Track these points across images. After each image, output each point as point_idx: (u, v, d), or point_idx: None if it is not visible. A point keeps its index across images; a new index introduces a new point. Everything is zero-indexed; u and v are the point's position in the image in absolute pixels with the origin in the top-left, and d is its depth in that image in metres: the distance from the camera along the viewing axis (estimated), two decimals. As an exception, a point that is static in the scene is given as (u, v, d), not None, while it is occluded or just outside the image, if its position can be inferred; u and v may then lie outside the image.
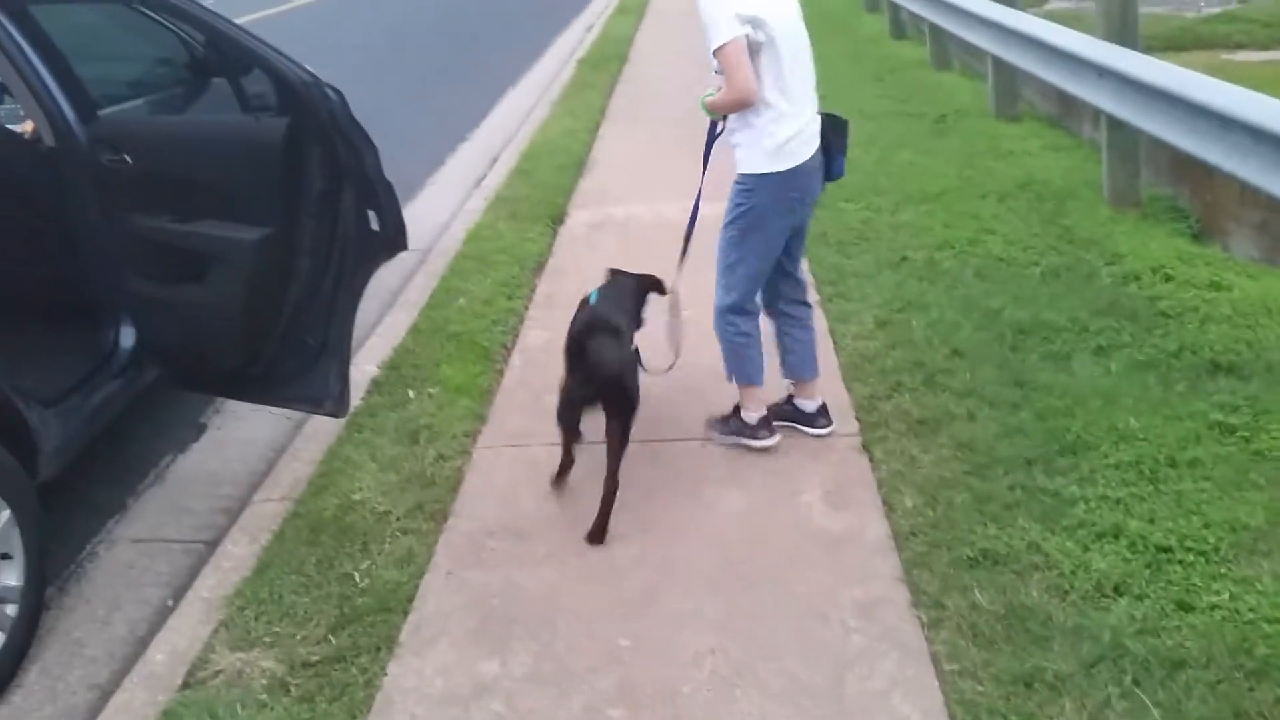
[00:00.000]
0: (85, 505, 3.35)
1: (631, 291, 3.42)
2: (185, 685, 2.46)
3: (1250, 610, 2.34)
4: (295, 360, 3.29)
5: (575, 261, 5.09)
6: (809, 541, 2.79)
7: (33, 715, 2.52)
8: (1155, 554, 2.55)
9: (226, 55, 3.32)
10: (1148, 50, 5.07)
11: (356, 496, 3.13)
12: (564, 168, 6.65)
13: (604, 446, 2.99)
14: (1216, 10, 9.95)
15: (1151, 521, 2.66)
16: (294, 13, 16.54)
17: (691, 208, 3.27)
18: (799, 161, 2.96)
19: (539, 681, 2.38)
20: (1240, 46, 8.88)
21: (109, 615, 2.87)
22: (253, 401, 3.52)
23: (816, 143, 3.02)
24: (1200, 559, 2.52)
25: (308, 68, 3.08)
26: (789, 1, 2.97)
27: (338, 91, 3.04)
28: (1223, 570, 2.48)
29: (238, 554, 2.96)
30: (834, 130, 3.07)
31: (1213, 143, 3.95)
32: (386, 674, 2.44)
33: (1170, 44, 8.42)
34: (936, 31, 8.44)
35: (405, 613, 2.64)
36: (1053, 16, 7.03)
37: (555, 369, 3.91)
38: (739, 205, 3.03)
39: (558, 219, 5.73)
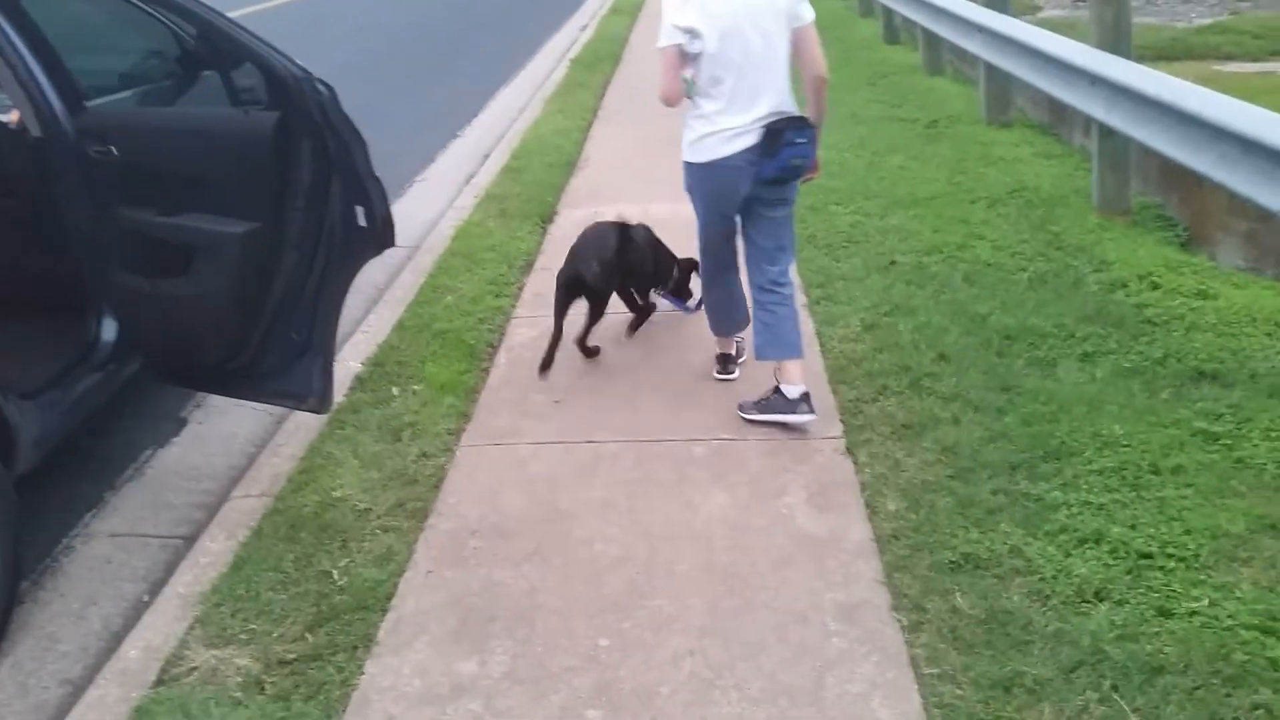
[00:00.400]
0: (63, 498, 3.32)
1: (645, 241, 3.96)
2: (159, 682, 2.44)
3: (1229, 617, 2.34)
4: (279, 355, 3.26)
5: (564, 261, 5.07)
6: (791, 544, 2.78)
7: (3, 710, 2.49)
8: (1136, 560, 2.54)
9: (217, 48, 3.29)
10: (1140, 60, 5.08)
11: (337, 493, 3.11)
12: (555, 166, 6.63)
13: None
14: (1208, 21, 10.00)
15: (1133, 527, 2.66)
16: (288, 7, 16.49)
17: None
18: (714, 157, 3.24)
19: (517, 681, 2.37)
20: (1231, 58, 8.93)
21: (84, 610, 2.84)
22: (235, 396, 3.48)
23: (746, 143, 3.21)
24: (1181, 565, 2.52)
25: (299, 62, 3.06)
26: (746, 17, 3.14)
27: (328, 86, 3.02)
28: (1203, 577, 2.48)
29: (215, 550, 2.93)
30: (786, 130, 3.21)
31: (1203, 152, 3.95)
32: (364, 673, 2.42)
33: (1162, 54, 8.46)
34: (929, 37, 8.45)
35: (384, 611, 2.62)
36: (1046, 24, 7.06)
37: (541, 367, 3.93)
38: None
39: (547, 217, 5.72)
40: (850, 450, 3.19)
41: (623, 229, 3.85)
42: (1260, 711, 2.09)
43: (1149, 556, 2.55)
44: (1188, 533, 2.62)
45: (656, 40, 3.21)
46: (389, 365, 3.94)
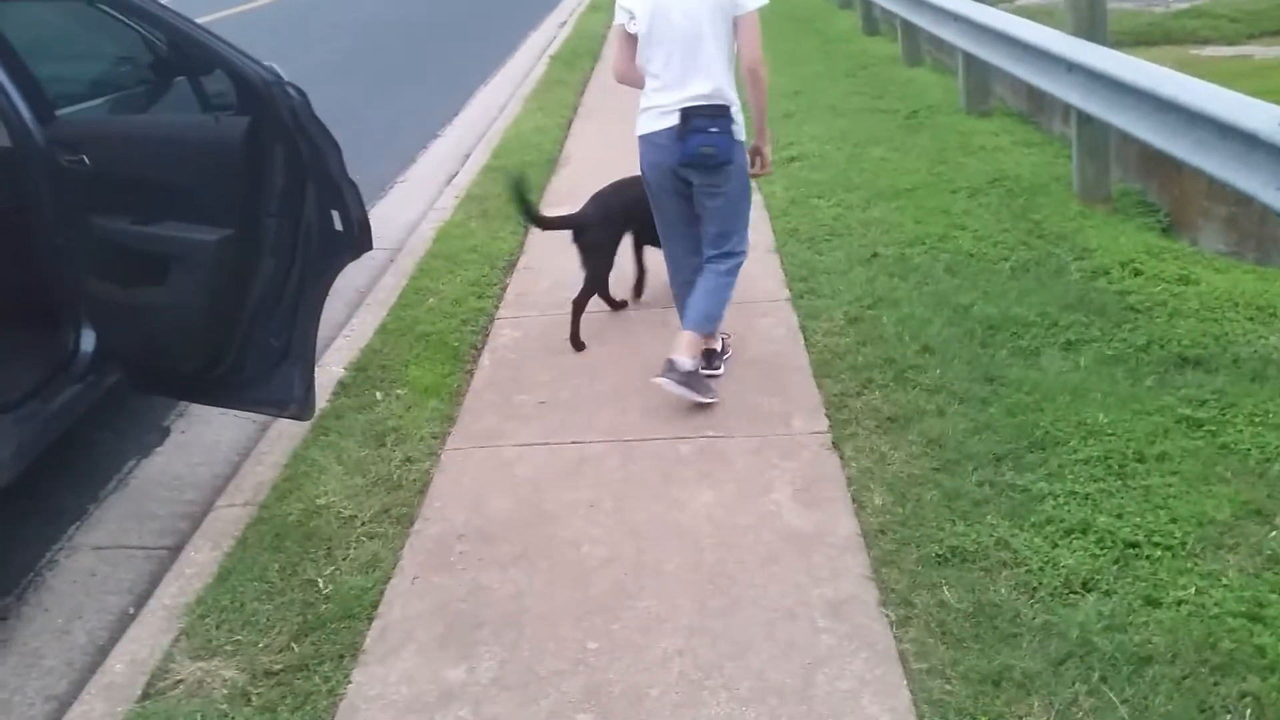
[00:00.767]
0: (46, 511, 3.29)
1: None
2: (145, 695, 2.42)
3: (1216, 605, 2.34)
4: (258, 362, 3.24)
5: (546, 260, 5.05)
6: (779, 540, 2.78)
7: (-12, 729, 2.47)
8: (1123, 550, 2.55)
9: (186, 54, 3.26)
10: (1117, 45, 5.09)
11: (321, 501, 3.09)
12: (536, 165, 6.61)
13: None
14: (1185, 6, 10.03)
15: (1119, 517, 2.67)
16: (264, 9, 16.37)
17: None
18: (646, 131, 3.42)
19: (505, 686, 2.35)
20: (1208, 41, 8.98)
21: (68, 624, 2.81)
22: (216, 405, 3.46)
23: (669, 123, 3.34)
24: (1167, 554, 2.52)
25: (270, 65, 3.03)
26: (675, 2, 3.25)
27: (299, 90, 2.99)
28: (1189, 565, 2.48)
29: (200, 560, 2.91)
30: (696, 116, 3.30)
31: (1180, 137, 3.96)
32: (350, 682, 2.40)
33: (1139, 39, 8.49)
34: (908, 27, 8.46)
35: (370, 619, 2.61)
36: (1023, 11, 7.05)
37: (525, 369, 3.92)
38: None
39: (529, 217, 5.69)
40: (836, 445, 3.18)
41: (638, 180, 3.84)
42: (1248, 700, 2.09)
43: (1135, 546, 2.55)
44: (1174, 521, 2.63)
45: None
46: (372, 369, 3.92)
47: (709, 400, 3.48)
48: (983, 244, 4.59)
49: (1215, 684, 2.14)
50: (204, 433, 3.74)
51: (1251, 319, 3.71)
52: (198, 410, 3.77)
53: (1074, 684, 2.17)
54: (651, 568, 2.72)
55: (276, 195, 3.08)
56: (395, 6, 16.70)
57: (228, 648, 2.53)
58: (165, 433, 3.76)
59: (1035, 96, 6.70)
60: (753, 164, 3.52)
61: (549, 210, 5.62)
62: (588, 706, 2.28)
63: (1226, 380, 3.28)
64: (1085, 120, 4.93)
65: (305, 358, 3.20)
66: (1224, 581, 2.42)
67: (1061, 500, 2.76)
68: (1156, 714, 2.09)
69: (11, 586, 2.89)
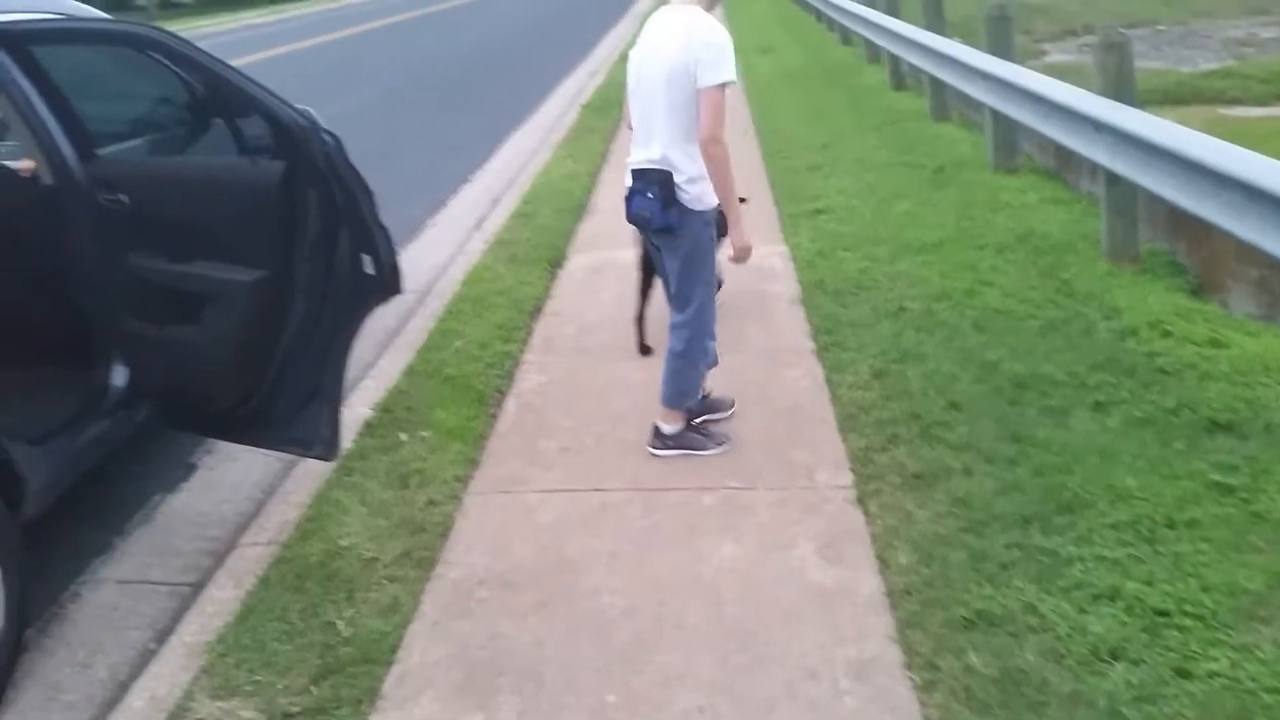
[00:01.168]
0: (70, 544, 3.31)
1: None
2: (163, 734, 2.41)
3: (1250, 679, 2.29)
4: (286, 402, 3.26)
5: (573, 305, 5.09)
6: (802, 597, 2.75)
7: (6, 763, 2.47)
8: (1153, 618, 2.50)
9: (224, 98, 3.33)
10: (1146, 105, 5.10)
11: (344, 542, 3.09)
12: (564, 211, 6.67)
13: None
14: (1214, 66, 10.07)
15: (1149, 584, 2.62)
16: (304, 52, 16.72)
17: None
18: (627, 185, 3.43)
19: (523, 738, 2.33)
20: (1237, 101, 9.01)
21: (89, 659, 2.81)
22: (243, 443, 3.49)
23: (630, 179, 3.40)
24: (1199, 624, 2.47)
25: (304, 109, 3.10)
26: (652, 58, 3.27)
27: (334, 136, 3.05)
28: (1222, 636, 2.43)
29: (222, 598, 2.91)
30: (638, 179, 3.36)
31: (1208, 199, 3.95)
32: (368, 728, 2.39)
33: (1168, 98, 8.53)
34: (935, 83, 8.52)
35: (389, 664, 2.60)
36: (1052, 69, 7.11)
37: (549, 414, 3.93)
38: None
39: (557, 262, 5.75)
40: (861, 500, 3.16)
41: None
42: (1282, 777, 2.04)
43: (1166, 614, 2.50)
44: (1205, 589, 2.58)
45: None
46: (398, 411, 3.94)
47: (714, 451, 3.51)
48: (1010, 301, 4.58)
49: (1249, 761, 2.09)
50: (230, 470, 3.76)
51: (1284, 384, 3.67)
52: (224, 448, 3.80)
53: (1103, 756, 2.13)
54: (672, 620, 2.70)
55: (310, 238, 3.13)
56: (434, 57, 17.03)
57: (247, 688, 2.52)
58: (191, 469, 3.79)
59: (1063, 154, 6.71)
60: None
61: (580, 255, 5.68)
62: (606, 762, 2.25)
63: (1259, 446, 3.24)
64: (1113, 180, 4.93)
65: (333, 398, 3.22)
66: (1258, 654, 2.36)
67: (1090, 565, 2.72)
68: (1188, 790, 2.04)
69: (34, 618, 2.90)
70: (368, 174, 3.09)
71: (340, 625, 2.73)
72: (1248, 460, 3.15)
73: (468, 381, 4.17)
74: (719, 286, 4.73)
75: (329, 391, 3.22)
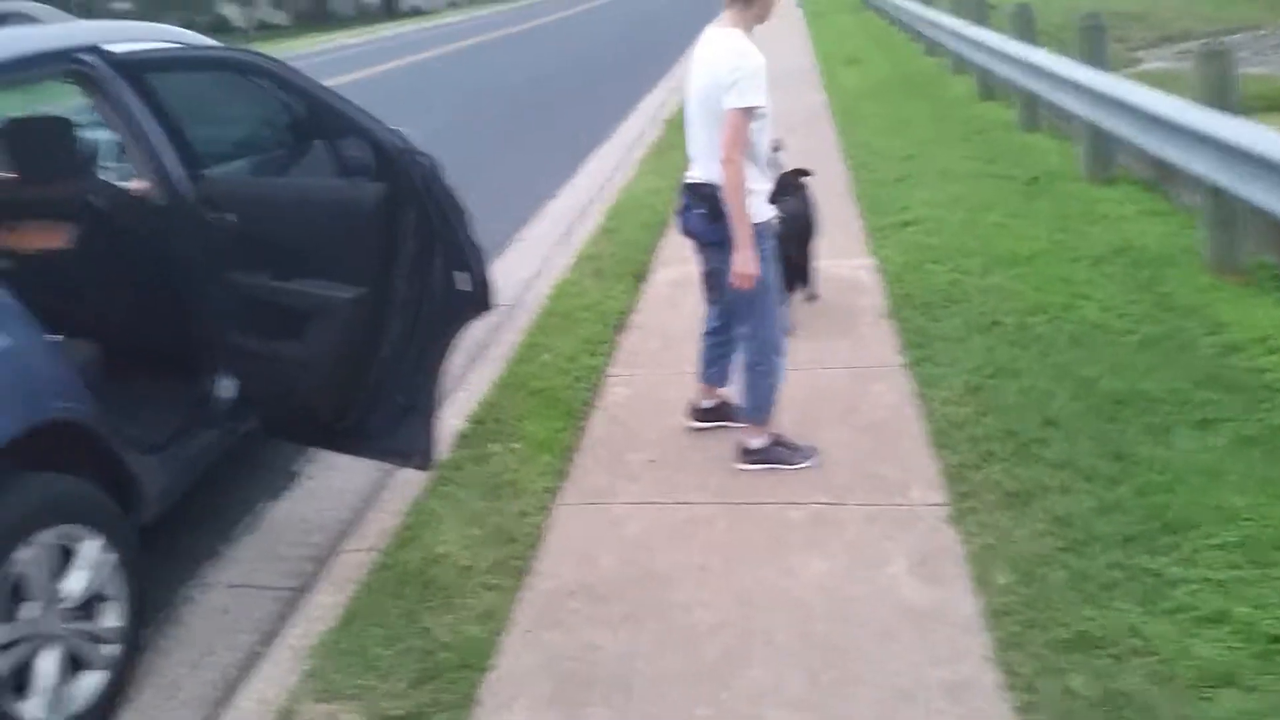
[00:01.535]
0: (182, 549, 3.46)
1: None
2: (271, 734, 2.50)
3: (1370, 710, 2.20)
4: (385, 413, 3.36)
5: (658, 319, 5.12)
6: (895, 616, 2.73)
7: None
8: (1265, 644, 2.41)
9: (325, 121, 3.46)
10: (1248, 112, 4.94)
11: (440, 550, 3.17)
12: (648, 225, 6.72)
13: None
14: (1322, 71, 9.67)
15: (1259, 608, 2.53)
16: (395, 71, 17.17)
17: None
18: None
19: (616, 748, 2.36)
20: (1348, 109, 8.60)
21: (201, 659, 2.94)
22: (344, 452, 3.60)
23: (684, 195, 3.47)
24: (1314, 651, 2.38)
25: (399, 129, 3.19)
26: (692, 79, 3.36)
27: (430, 157, 3.14)
28: (1339, 665, 2.34)
29: (325, 603, 3.01)
30: (687, 194, 3.46)
31: (1319, 212, 3.81)
32: (465, 732, 2.45)
33: (1272, 105, 8.21)
34: (1026, 93, 8.36)
35: (484, 670, 2.65)
36: (1148, 77, 6.92)
37: (635, 427, 3.97)
38: None
39: (641, 276, 5.79)
40: (955, 518, 3.12)
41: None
42: None
43: (1278, 640, 2.42)
44: (1320, 615, 2.49)
45: None
46: (489, 423, 4.02)
47: (801, 465, 3.50)
48: (1108, 315, 4.46)
49: (1372, 796, 2.01)
50: (331, 478, 3.88)
51: (1402, 403, 3.51)
52: (326, 456, 3.92)
53: (1213, 785, 2.07)
54: (761, 636, 2.71)
55: (408, 256, 3.22)
56: (516, 72, 17.33)
57: (349, 691, 2.61)
58: (294, 477, 3.92)
59: (1161, 164, 6.51)
60: None
61: (664, 270, 5.73)
62: (699, 774, 2.26)
63: (1375, 467, 3.11)
64: (1216, 192, 4.78)
65: (429, 410, 3.31)
66: (1378, 684, 2.27)
67: (1196, 587, 2.64)
68: (1306, 824, 1.97)
69: (150, 620, 3.04)
70: (453, 190, 3.17)
71: (439, 631, 2.80)
72: (1365, 481, 3.02)
73: (555, 394, 4.24)
74: (815, 300, 4.76)
75: (425, 403, 3.31)
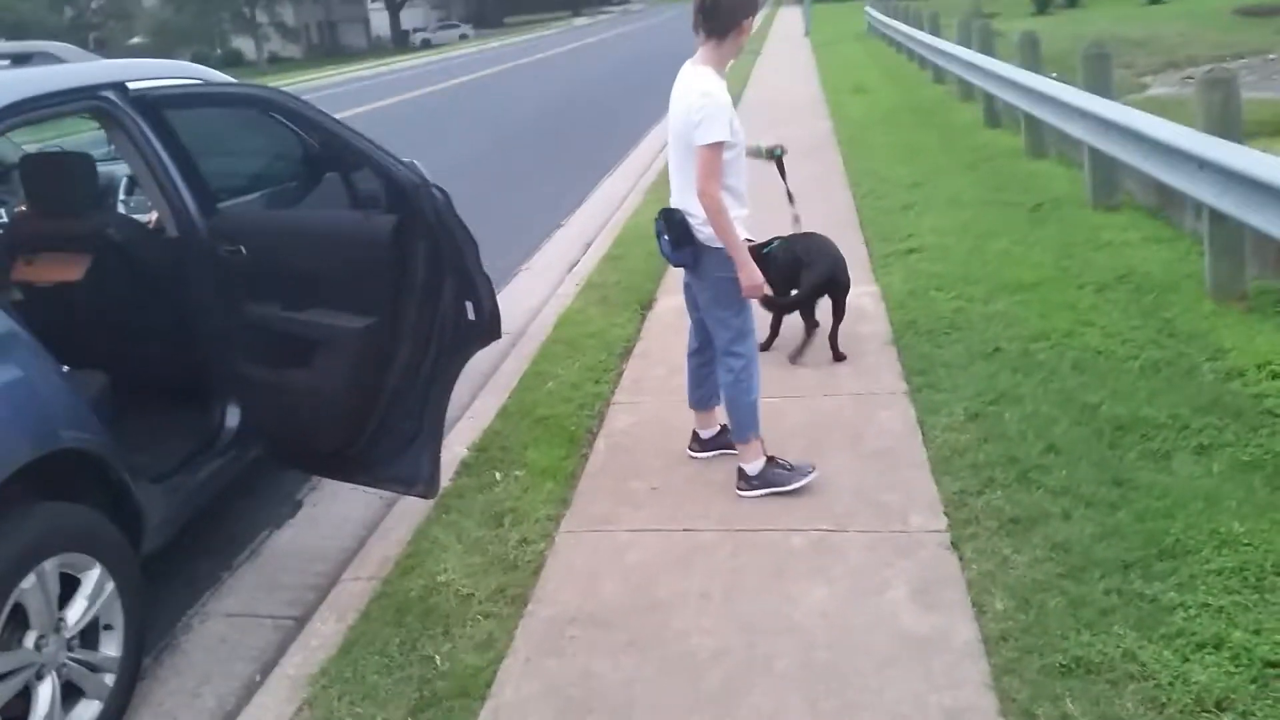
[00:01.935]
0: (183, 577, 3.48)
1: None
2: (269, 762, 2.51)
3: (1370, 737, 2.18)
4: (390, 442, 3.39)
5: (662, 346, 5.15)
6: (895, 642, 2.72)
7: (123, 786, 2.59)
8: (1261, 668, 2.40)
9: (339, 154, 3.51)
10: (1252, 136, 4.96)
11: (441, 578, 3.19)
12: (654, 254, 6.66)
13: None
14: (1328, 96, 9.69)
15: (1257, 633, 2.52)
16: (404, 103, 17.37)
17: None
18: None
19: (613, 776, 2.36)
20: (1355, 134, 8.61)
21: (199, 688, 2.95)
22: (348, 481, 3.63)
23: (658, 221, 3.55)
24: (1313, 677, 2.37)
25: (410, 161, 3.24)
26: (670, 113, 3.43)
27: (443, 191, 3.19)
28: (1339, 691, 2.33)
29: (325, 632, 3.03)
30: (660, 219, 3.53)
31: (1321, 237, 3.82)
32: (463, 761, 2.45)
33: (1278, 130, 8.23)
34: (1031, 121, 8.40)
35: (483, 699, 2.66)
36: (1153, 102, 6.97)
37: (638, 454, 3.98)
38: None
39: (647, 305, 5.83)
40: (955, 545, 3.11)
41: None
42: None
43: (1275, 665, 2.40)
44: (1319, 641, 2.47)
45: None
46: (492, 450, 4.05)
47: (801, 483, 3.53)
48: (1111, 341, 4.47)
49: (1371, 824, 1.99)
50: (334, 507, 3.91)
51: (1404, 428, 3.49)
52: (329, 485, 3.95)
53: (1211, 813, 2.05)
54: (762, 663, 2.71)
55: (418, 287, 3.26)
56: (526, 104, 17.50)
57: (348, 719, 2.61)
58: (297, 506, 3.95)
59: (1165, 190, 6.52)
60: None
61: (669, 298, 5.76)
62: (695, 802, 2.26)
63: (1377, 492, 3.09)
64: (1218, 218, 4.79)
65: (434, 439, 3.34)
66: (1378, 711, 2.25)
67: (1193, 612, 2.63)
68: None
69: (149, 648, 3.06)
70: (464, 221, 3.22)
71: (438, 659, 2.81)
72: (1366, 507, 3.01)
73: (560, 422, 4.26)
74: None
75: (430, 432, 3.34)
